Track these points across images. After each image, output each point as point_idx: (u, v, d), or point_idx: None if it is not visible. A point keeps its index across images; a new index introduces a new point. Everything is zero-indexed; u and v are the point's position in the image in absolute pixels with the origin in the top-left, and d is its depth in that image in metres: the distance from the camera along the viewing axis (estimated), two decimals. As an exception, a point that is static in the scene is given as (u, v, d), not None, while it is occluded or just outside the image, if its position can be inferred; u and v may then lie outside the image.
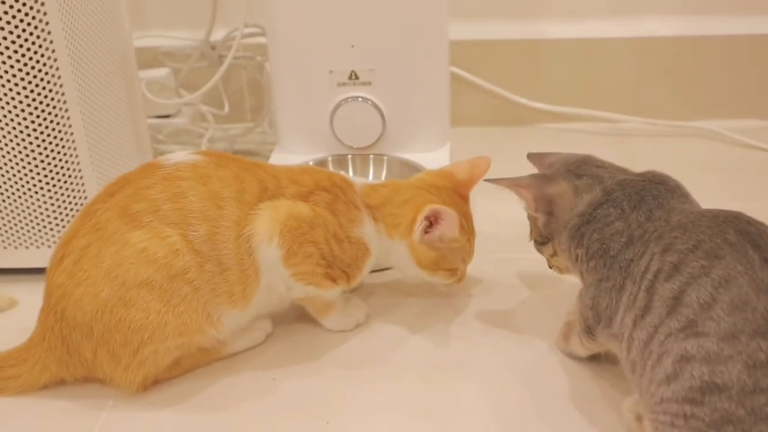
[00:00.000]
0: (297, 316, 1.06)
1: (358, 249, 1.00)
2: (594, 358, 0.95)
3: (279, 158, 1.34)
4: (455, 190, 1.05)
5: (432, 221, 0.99)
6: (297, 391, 0.94)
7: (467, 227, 1.04)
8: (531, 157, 1.02)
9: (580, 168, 0.93)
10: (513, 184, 0.94)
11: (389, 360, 0.99)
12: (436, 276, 1.03)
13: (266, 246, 0.93)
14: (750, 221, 0.78)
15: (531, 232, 1.00)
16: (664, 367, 0.74)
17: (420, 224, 0.98)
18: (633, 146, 1.56)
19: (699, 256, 0.75)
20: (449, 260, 1.02)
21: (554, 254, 0.97)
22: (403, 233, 1.01)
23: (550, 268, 1.01)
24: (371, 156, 1.33)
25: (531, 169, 1.00)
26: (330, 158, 1.32)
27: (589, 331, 0.89)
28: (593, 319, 0.87)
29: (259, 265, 0.94)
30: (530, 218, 0.99)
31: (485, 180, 0.98)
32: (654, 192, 0.86)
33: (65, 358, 0.92)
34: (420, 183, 1.05)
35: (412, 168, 1.26)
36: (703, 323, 0.72)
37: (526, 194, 0.93)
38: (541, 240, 0.97)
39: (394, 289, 1.14)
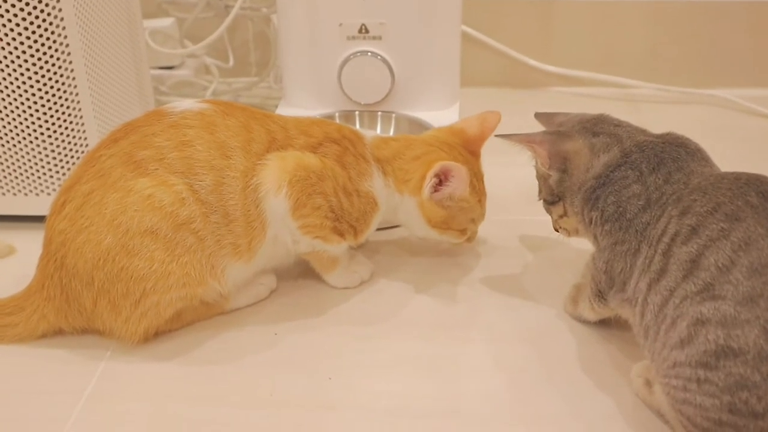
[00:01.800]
0: (301, 272, 1.04)
1: (366, 203, 0.98)
2: (603, 323, 0.94)
3: (284, 113, 1.32)
4: (466, 147, 1.03)
5: (442, 179, 0.97)
6: (299, 346, 0.93)
7: (478, 187, 1.02)
8: (539, 116, 1.00)
9: (597, 126, 0.91)
10: (526, 140, 0.91)
11: (393, 318, 0.98)
12: (445, 235, 1.02)
13: (274, 196, 0.91)
14: None
15: (540, 191, 0.98)
16: (678, 330, 0.73)
17: (429, 181, 0.96)
18: (645, 112, 1.54)
19: (718, 219, 0.73)
20: (459, 220, 1.01)
21: (564, 215, 0.95)
22: (413, 190, 0.99)
23: (556, 230, 0.99)
24: (379, 113, 1.30)
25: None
26: (337, 114, 1.30)
27: (600, 296, 0.87)
28: (606, 283, 0.85)
29: (266, 217, 0.92)
30: (540, 177, 0.96)
31: (497, 135, 0.95)
32: (674, 154, 0.84)
33: (64, 308, 0.90)
34: (432, 140, 1.03)
35: (421, 126, 1.24)
36: (721, 287, 0.70)
37: (540, 150, 0.90)
38: (552, 199, 0.94)
39: (400, 247, 1.12)
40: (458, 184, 0.96)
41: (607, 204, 0.85)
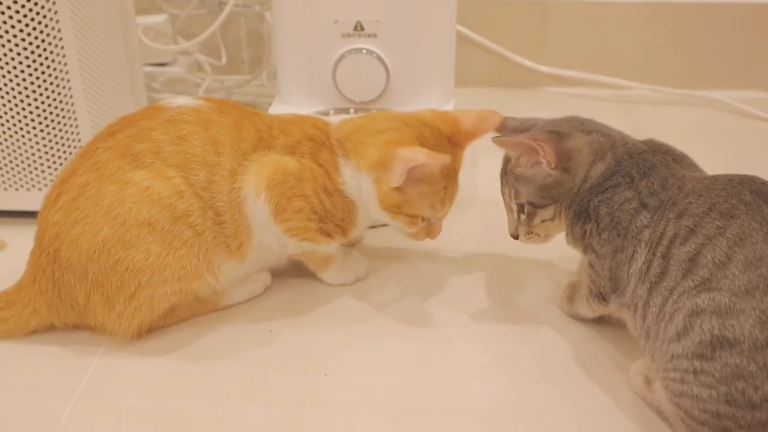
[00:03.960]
0: (295, 269, 1.03)
1: (347, 202, 0.95)
2: (599, 322, 0.94)
3: (278, 110, 1.31)
4: (452, 137, 0.96)
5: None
6: (295, 343, 0.93)
7: (448, 173, 0.94)
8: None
9: (585, 125, 0.90)
10: (531, 138, 0.87)
11: (389, 315, 0.98)
12: (397, 220, 0.94)
13: (253, 201, 0.90)
14: (765, 183, 0.78)
15: (517, 194, 0.91)
16: (675, 323, 0.73)
17: (401, 171, 0.88)
18: (639, 113, 1.54)
19: (714, 217, 0.74)
20: (415, 205, 0.93)
21: (552, 219, 0.91)
22: (368, 166, 0.92)
23: (515, 236, 0.94)
24: (374, 111, 1.29)
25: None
26: (332, 111, 1.29)
27: (601, 297, 0.87)
28: (610, 288, 0.85)
29: (250, 222, 0.92)
30: (522, 179, 0.90)
31: (494, 140, 0.90)
32: (663, 161, 0.85)
33: (56, 302, 0.89)
34: (404, 115, 0.96)
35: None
36: (718, 281, 0.71)
37: (548, 149, 0.86)
38: (542, 202, 0.90)
39: (396, 244, 1.11)
40: (427, 167, 0.90)
41: (601, 215, 0.84)
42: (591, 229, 0.85)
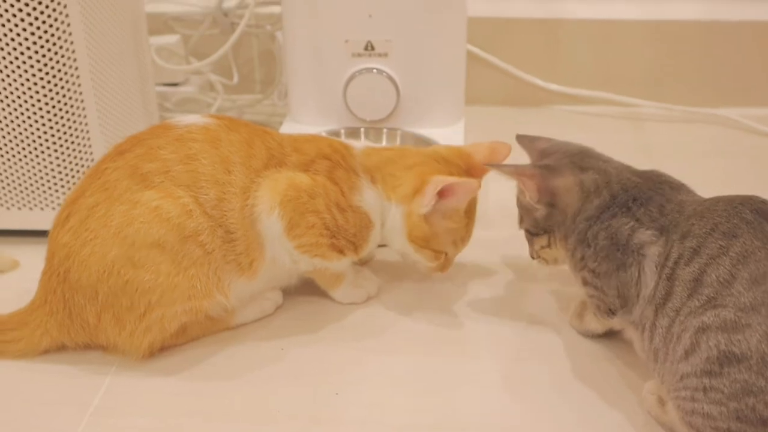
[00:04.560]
0: (306, 287, 1.03)
1: (360, 219, 0.96)
2: (610, 339, 0.94)
3: (290, 129, 1.32)
4: (468, 172, 1.00)
5: (441, 195, 0.93)
6: (306, 361, 0.93)
7: (469, 211, 0.99)
8: (521, 139, 1.00)
9: (585, 161, 0.91)
10: (516, 172, 0.91)
11: (401, 333, 0.98)
12: (421, 254, 0.98)
13: (267, 217, 0.90)
14: (765, 201, 0.78)
15: (521, 220, 0.97)
16: (683, 343, 0.73)
17: (432, 196, 0.92)
18: (649, 131, 1.53)
19: (717, 237, 0.75)
20: (441, 240, 0.97)
21: (547, 246, 0.94)
22: (401, 198, 0.96)
23: (533, 258, 0.98)
24: (384, 129, 1.30)
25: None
26: (343, 130, 1.30)
27: (610, 313, 0.87)
28: (620, 304, 0.85)
29: (263, 239, 0.92)
30: (523, 207, 0.95)
31: (485, 164, 0.96)
32: (659, 191, 0.85)
33: (66, 323, 0.89)
34: (429, 152, 1.01)
35: (426, 143, 1.24)
36: (723, 299, 0.71)
37: (530, 184, 0.90)
38: (535, 231, 0.94)
39: (406, 262, 1.11)
40: (461, 198, 0.95)
41: (599, 239, 0.85)
42: (589, 254, 0.87)
